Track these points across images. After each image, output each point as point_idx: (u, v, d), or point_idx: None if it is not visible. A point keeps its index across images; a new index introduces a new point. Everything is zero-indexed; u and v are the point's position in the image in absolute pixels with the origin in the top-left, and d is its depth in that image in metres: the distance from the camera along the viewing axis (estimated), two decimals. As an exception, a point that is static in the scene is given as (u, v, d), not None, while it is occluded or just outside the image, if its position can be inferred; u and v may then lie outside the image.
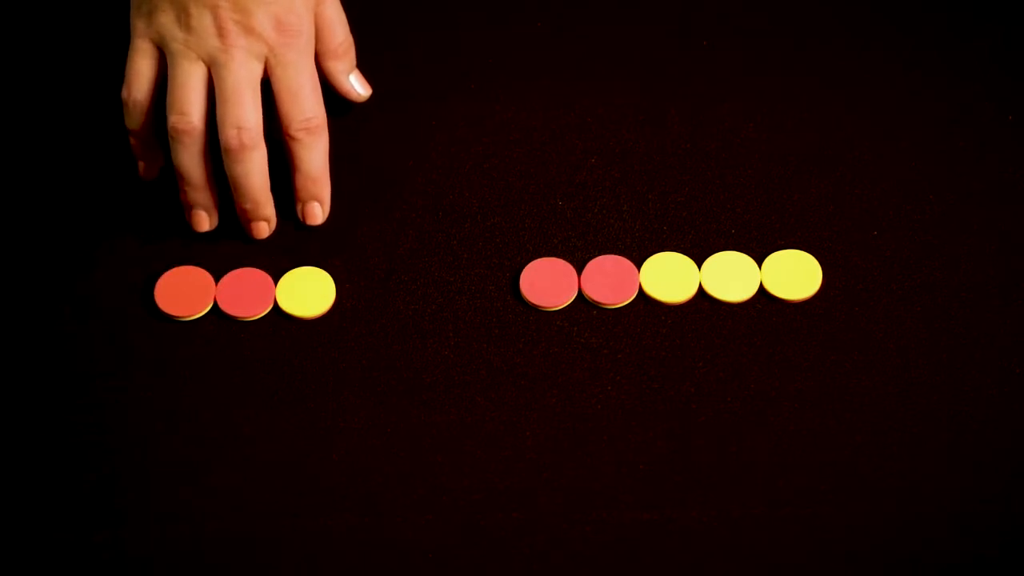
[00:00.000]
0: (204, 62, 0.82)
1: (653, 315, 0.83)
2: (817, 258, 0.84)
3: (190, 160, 0.83)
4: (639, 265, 0.84)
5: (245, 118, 0.82)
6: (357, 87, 0.89)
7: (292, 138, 0.84)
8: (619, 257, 0.85)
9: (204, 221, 0.85)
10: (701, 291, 0.84)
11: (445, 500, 0.78)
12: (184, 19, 0.82)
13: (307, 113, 0.83)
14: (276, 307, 0.84)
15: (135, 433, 0.80)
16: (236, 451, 0.79)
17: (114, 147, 0.89)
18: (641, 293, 0.84)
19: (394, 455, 0.79)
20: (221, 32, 0.81)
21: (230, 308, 0.83)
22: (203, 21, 0.82)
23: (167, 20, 0.82)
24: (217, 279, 0.84)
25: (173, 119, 0.82)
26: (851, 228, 0.86)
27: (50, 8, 0.95)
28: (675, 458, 0.79)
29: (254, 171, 0.83)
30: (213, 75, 0.82)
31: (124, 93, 0.84)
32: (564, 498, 0.78)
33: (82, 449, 0.79)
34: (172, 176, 0.88)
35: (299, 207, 0.86)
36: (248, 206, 0.84)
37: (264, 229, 0.85)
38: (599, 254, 0.85)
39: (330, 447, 0.79)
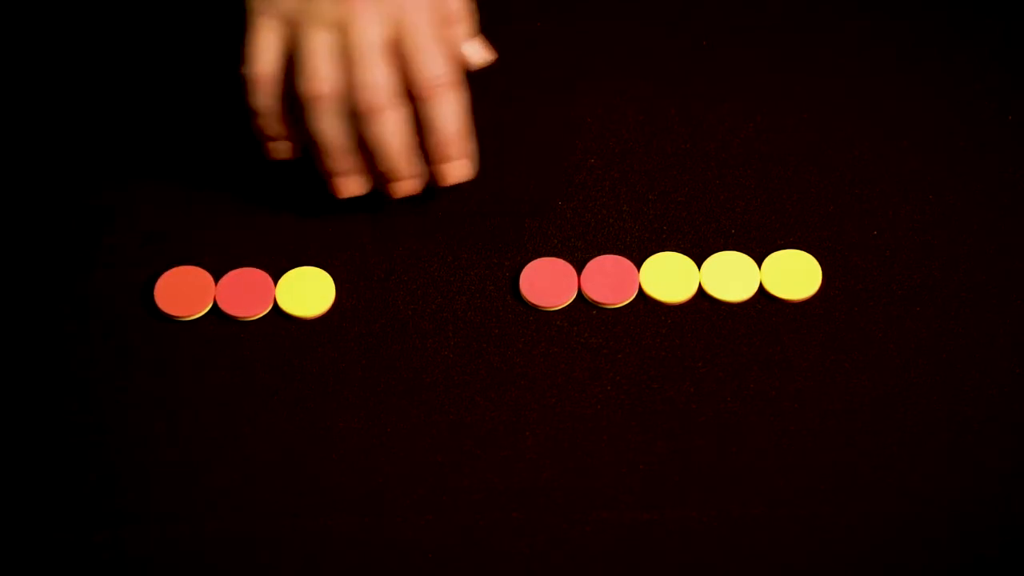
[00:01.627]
0: (331, 29, 0.81)
1: (653, 315, 0.83)
2: (817, 258, 0.84)
3: (327, 125, 0.81)
4: (639, 265, 0.84)
5: (376, 78, 0.80)
6: (474, 54, 0.85)
7: (422, 98, 0.81)
8: (619, 257, 0.85)
9: (349, 185, 0.83)
10: (701, 291, 0.84)
11: (445, 500, 0.78)
12: None
13: (436, 71, 0.81)
14: (276, 307, 0.84)
15: (135, 433, 0.80)
16: (236, 451, 0.79)
17: (114, 147, 0.89)
18: (641, 293, 0.84)
19: (394, 455, 0.79)
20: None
21: (230, 308, 0.83)
22: None
23: None
24: (217, 279, 0.84)
25: (303, 86, 0.81)
26: (851, 228, 0.86)
27: (49, 4, 0.95)
28: (675, 458, 0.79)
29: (389, 131, 0.81)
30: (341, 42, 0.81)
31: (246, 70, 0.82)
32: (564, 498, 0.78)
33: (82, 449, 0.79)
34: (172, 177, 0.88)
35: (432, 168, 0.83)
36: (384, 168, 0.82)
37: (405, 188, 0.83)
38: (599, 254, 0.85)
39: (330, 447, 0.79)
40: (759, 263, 0.84)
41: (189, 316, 0.83)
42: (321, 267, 0.85)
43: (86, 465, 0.79)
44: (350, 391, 0.81)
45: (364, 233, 0.86)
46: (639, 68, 0.92)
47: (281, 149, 0.85)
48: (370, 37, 0.80)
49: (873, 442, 0.79)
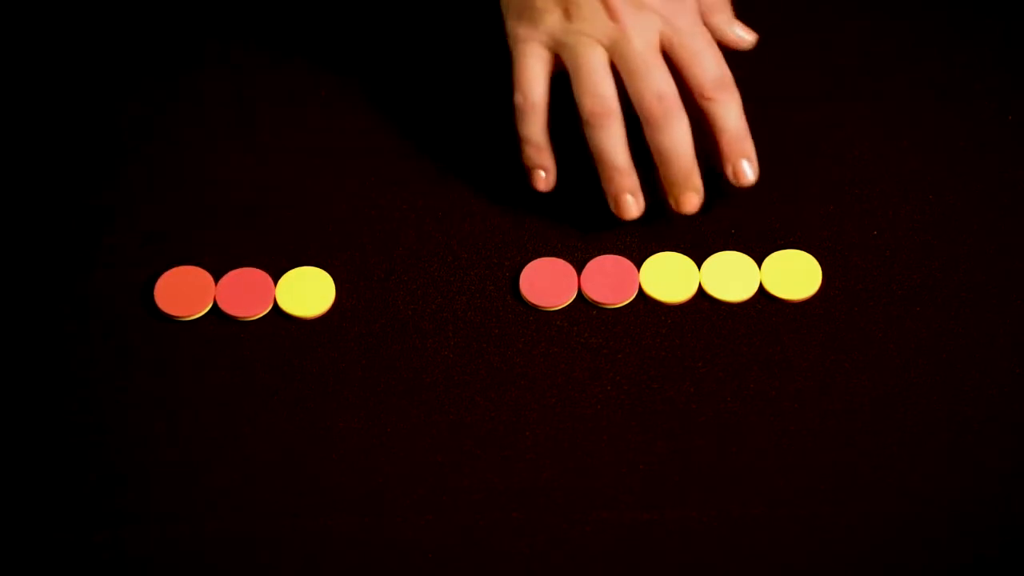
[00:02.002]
0: (603, 47, 0.82)
1: (653, 315, 0.83)
2: (817, 258, 0.84)
3: (614, 143, 0.82)
4: (639, 265, 0.84)
5: (661, 85, 0.81)
6: (742, 34, 0.86)
7: (709, 99, 0.82)
8: (619, 257, 0.85)
9: (633, 206, 0.84)
10: (701, 291, 0.84)
11: (445, 500, 0.78)
12: (573, 11, 0.82)
13: (716, 72, 0.82)
14: (276, 307, 0.84)
15: (135, 433, 0.80)
16: (236, 451, 0.79)
17: (114, 147, 0.89)
18: (641, 293, 0.84)
19: (394, 455, 0.79)
20: (612, 14, 0.81)
21: (230, 308, 0.83)
22: (593, 8, 0.81)
23: (554, 19, 0.82)
24: (217, 279, 0.84)
25: (589, 103, 0.82)
26: (851, 228, 0.86)
27: (48, 4, 0.95)
28: (675, 458, 0.79)
29: (681, 138, 0.81)
30: (614, 56, 0.82)
31: (518, 98, 0.83)
32: (564, 498, 0.78)
33: (82, 449, 0.79)
34: (172, 177, 0.88)
35: (728, 168, 0.83)
36: (680, 176, 0.82)
37: (695, 201, 0.83)
38: (599, 254, 0.85)
39: (330, 447, 0.79)
40: (759, 263, 0.84)
41: (189, 316, 0.83)
42: (321, 267, 0.85)
43: (86, 465, 0.79)
44: (350, 391, 0.81)
45: (364, 233, 0.86)
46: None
47: (549, 180, 0.85)
48: (646, 46, 0.81)
49: (873, 442, 0.79)
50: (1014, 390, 0.80)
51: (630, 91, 0.82)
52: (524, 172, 0.86)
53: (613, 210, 0.84)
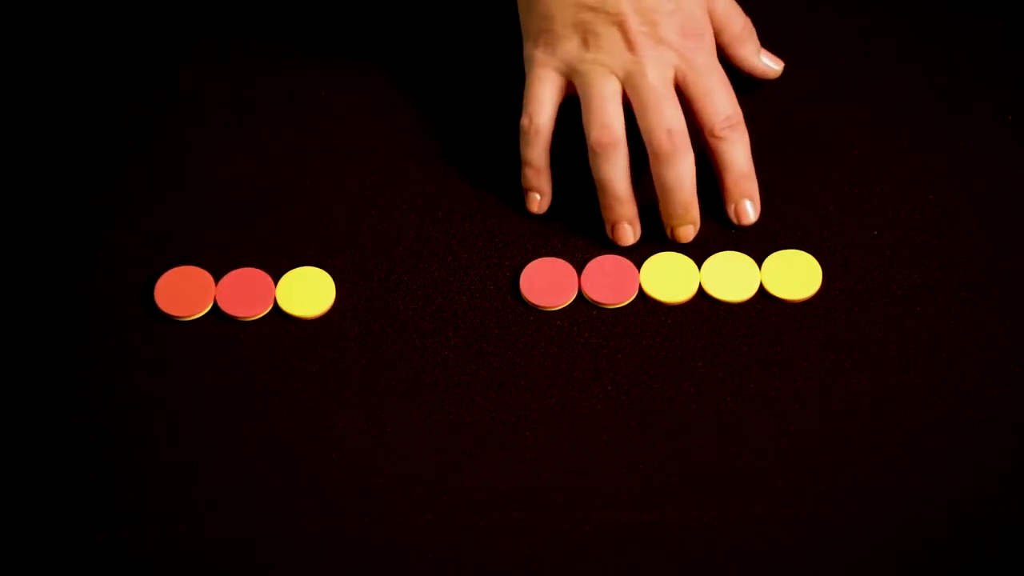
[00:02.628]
0: (617, 78, 0.83)
1: (653, 315, 0.83)
2: (817, 258, 0.84)
3: (616, 173, 0.83)
4: (639, 265, 0.84)
5: (672, 121, 0.82)
6: (770, 64, 0.89)
7: (718, 138, 0.84)
8: (619, 257, 0.85)
9: (630, 234, 0.85)
10: (701, 291, 0.84)
11: (445, 500, 0.78)
12: (592, 40, 0.83)
13: (727, 111, 0.83)
14: (276, 307, 0.84)
15: (135, 433, 0.80)
16: (236, 451, 0.79)
17: (114, 147, 0.89)
18: (641, 293, 0.84)
19: (394, 455, 0.79)
20: (631, 46, 0.82)
21: (230, 308, 0.83)
22: (611, 39, 0.83)
23: (572, 46, 0.83)
24: (217, 279, 0.84)
25: (596, 133, 0.83)
26: (851, 228, 0.86)
27: (48, 4, 0.95)
28: (675, 458, 0.79)
29: (686, 174, 0.83)
30: (628, 88, 0.83)
31: (525, 121, 0.85)
32: (564, 498, 0.78)
33: (82, 449, 0.79)
34: (172, 177, 0.88)
35: (730, 207, 0.85)
36: (680, 211, 0.84)
37: (691, 234, 0.85)
38: (599, 254, 0.85)
39: (330, 447, 0.79)
40: (759, 263, 0.84)
41: (189, 316, 0.83)
42: (321, 267, 0.85)
43: (86, 465, 0.79)
44: (350, 391, 0.81)
45: (364, 233, 0.86)
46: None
47: (543, 203, 0.86)
48: (660, 81, 0.82)
49: (873, 442, 0.79)
50: (1014, 390, 0.80)
51: (640, 123, 0.83)
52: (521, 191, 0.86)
53: (610, 236, 0.85)
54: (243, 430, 0.80)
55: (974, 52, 0.92)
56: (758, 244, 0.85)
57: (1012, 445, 0.79)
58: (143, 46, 0.93)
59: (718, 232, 0.86)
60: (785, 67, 0.91)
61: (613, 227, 0.85)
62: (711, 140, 0.84)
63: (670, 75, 0.83)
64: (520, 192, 0.87)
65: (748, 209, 0.85)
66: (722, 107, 0.84)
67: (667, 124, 0.82)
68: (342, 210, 0.87)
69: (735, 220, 0.85)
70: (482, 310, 0.84)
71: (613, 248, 0.85)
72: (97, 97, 0.91)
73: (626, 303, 0.84)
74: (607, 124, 0.83)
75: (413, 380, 0.81)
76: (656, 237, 0.86)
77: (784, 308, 0.83)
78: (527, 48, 0.86)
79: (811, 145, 0.89)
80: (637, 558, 0.76)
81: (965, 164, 0.88)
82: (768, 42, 0.92)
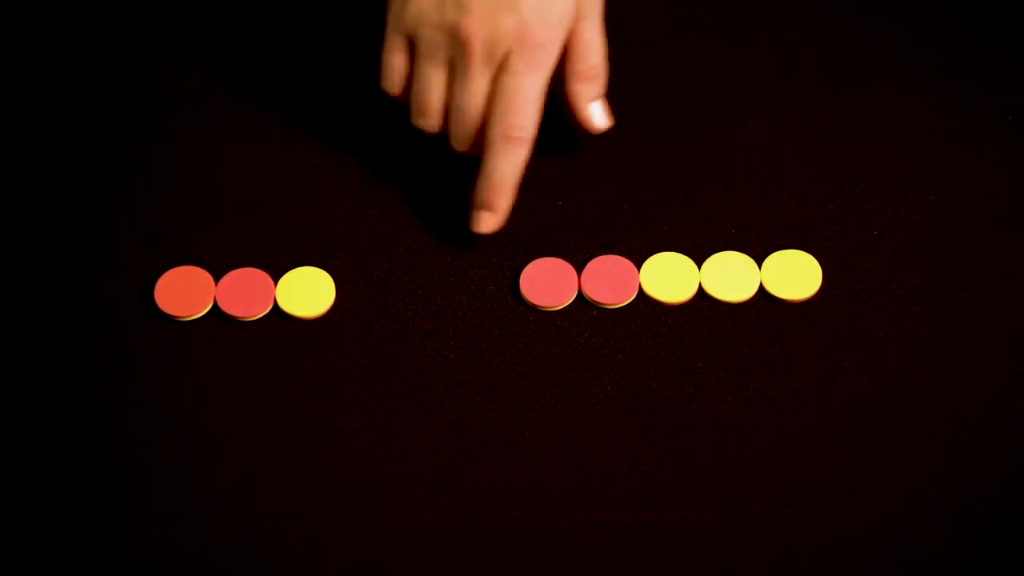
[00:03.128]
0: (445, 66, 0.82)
1: (653, 315, 0.83)
2: (817, 258, 0.84)
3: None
4: (639, 265, 0.84)
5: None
6: (596, 116, 0.85)
7: (489, 142, 0.82)
8: (619, 257, 0.85)
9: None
10: (701, 291, 0.84)
11: (445, 500, 0.78)
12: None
13: (512, 121, 0.81)
14: (276, 307, 0.84)
15: (135, 433, 0.80)
16: (236, 451, 0.79)
17: (114, 147, 0.89)
18: (641, 293, 0.84)
19: (394, 455, 0.79)
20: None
21: (230, 308, 0.83)
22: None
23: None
24: (217, 279, 0.84)
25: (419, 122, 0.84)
26: (851, 228, 0.86)
27: (48, 4, 0.95)
28: (675, 458, 0.79)
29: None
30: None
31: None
32: (564, 498, 0.78)
33: (82, 449, 0.79)
34: (172, 177, 0.88)
35: (471, 210, 0.84)
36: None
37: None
38: (599, 254, 0.85)
39: (330, 447, 0.79)
40: (759, 263, 0.84)
41: (189, 316, 0.83)
42: (321, 267, 0.85)
43: (86, 465, 0.79)
44: (350, 391, 0.81)
45: (364, 233, 0.86)
46: (638, 67, 0.92)
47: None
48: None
49: (873, 442, 0.79)
50: (1014, 390, 0.80)
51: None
52: (526, 175, 0.86)
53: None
54: (243, 430, 0.80)
55: (974, 52, 0.92)
56: (758, 244, 0.85)
57: (1012, 445, 0.79)
58: (143, 46, 0.93)
59: (718, 232, 0.86)
60: (785, 67, 0.91)
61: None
62: (484, 140, 0.82)
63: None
64: (521, 192, 0.87)
65: (482, 218, 0.84)
66: (510, 115, 0.80)
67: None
68: (342, 210, 0.87)
69: (469, 224, 0.84)
70: (482, 310, 0.84)
71: (613, 248, 0.85)
72: (97, 97, 0.91)
73: (626, 303, 0.84)
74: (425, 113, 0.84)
75: (413, 380, 0.81)
76: (656, 237, 0.86)
77: (784, 308, 0.83)
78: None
79: (811, 145, 0.89)
80: (637, 558, 0.76)
81: (965, 164, 0.88)
82: (768, 42, 0.92)
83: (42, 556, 0.76)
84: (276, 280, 0.84)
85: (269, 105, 0.91)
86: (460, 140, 0.83)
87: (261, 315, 0.83)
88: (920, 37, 0.93)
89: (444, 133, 0.84)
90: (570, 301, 0.84)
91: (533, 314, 0.84)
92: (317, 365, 0.82)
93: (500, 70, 0.80)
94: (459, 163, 0.88)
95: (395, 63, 0.84)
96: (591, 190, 0.87)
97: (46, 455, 0.79)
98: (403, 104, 0.84)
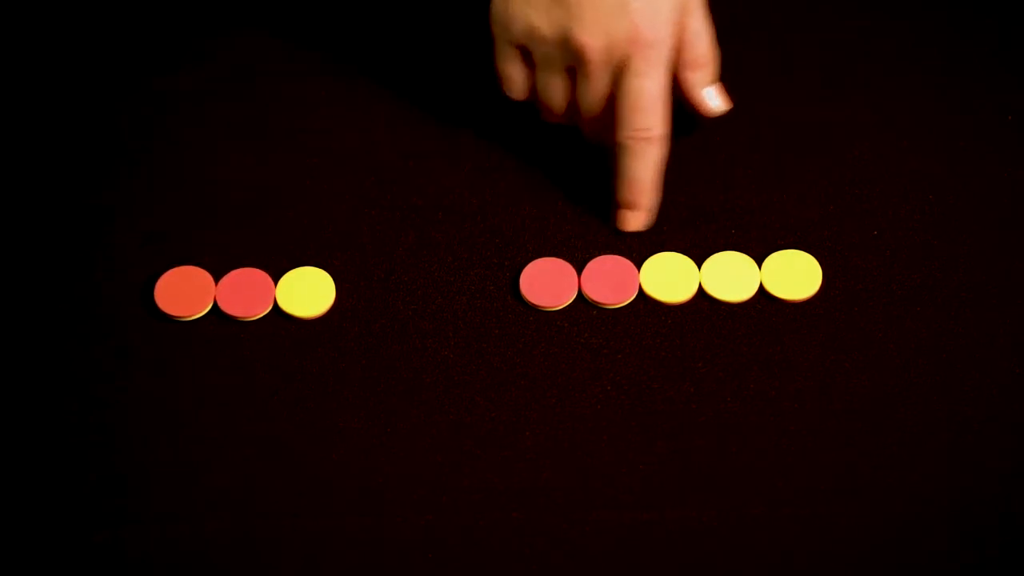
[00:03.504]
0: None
1: (653, 315, 0.83)
2: (817, 258, 0.84)
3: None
4: (639, 265, 0.84)
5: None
6: (711, 100, 0.86)
7: (620, 144, 0.83)
8: (619, 257, 0.85)
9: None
10: (701, 291, 0.84)
11: (445, 500, 0.78)
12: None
13: (639, 123, 0.82)
14: (276, 307, 0.84)
15: (135, 433, 0.80)
16: (236, 451, 0.79)
17: (114, 147, 0.89)
18: (641, 293, 0.84)
19: (394, 455, 0.79)
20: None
21: (230, 308, 0.83)
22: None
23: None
24: (217, 279, 0.84)
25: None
26: (851, 228, 0.86)
27: (48, 4, 0.95)
28: (675, 458, 0.79)
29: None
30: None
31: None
32: (564, 498, 0.78)
33: (82, 449, 0.79)
34: (172, 177, 0.88)
35: (614, 211, 0.85)
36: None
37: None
38: (599, 254, 0.85)
39: (330, 447, 0.79)
40: (759, 263, 0.84)
41: (189, 316, 0.83)
42: (321, 267, 0.85)
43: (86, 465, 0.79)
44: (350, 391, 0.81)
45: (364, 233, 0.86)
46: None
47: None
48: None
49: (873, 442, 0.79)
50: (1014, 390, 0.80)
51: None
52: (524, 172, 0.86)
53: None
54: (243, 430, 0.80)
55: (974, 52, 0.92)
56: (758, 244, 0.85)
57: (1012, 445, 0.79)
58: (143, 46, 0.93)
59: (718, 232, 0.86)
60: (785, 67, 0.91)
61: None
62: (616, 142, 0.83)
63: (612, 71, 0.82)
64: (521, 192, 0.87)
65: (627, 218, 0.85)
66: (640, 117, 0.82)
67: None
68: (342, 210, 0.87)
69: (616, 223, 0.85)
70: (482, 310, 0.84)
71: (613, 248, 0.85)
72: (97, 97, 0.91)
73: (626, 303, 0.84)
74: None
75: (413, 380, 0.81)
76: (656, 237, 0.86)
77: (784, 308, 0.83)
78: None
79: (811, 145, 0.89)
80: (637, 558, 0.76)
81: (965, 164, 0.88)
82: (768, 42, 0.92)
83: (42, 556, 0.76)
84: (276, 280, 0.84)
85: (269, 105, 0.91)
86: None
87: (261, 315, 0.83)
88: (920, 37, 0.93)
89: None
90: (570, 301, 0.84)
91: (533, 314, 0.84)
92: (317, 365, 0.82)
93: (620, 70, 0.81)
94: (460, 163, 0.88)
95: (514, 73, 0.85)
96: (591, 190, 0.87)
97: (46, 455, 0.79)
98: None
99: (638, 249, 0.85)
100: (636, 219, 0.85)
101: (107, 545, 0.76)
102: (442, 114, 0.91)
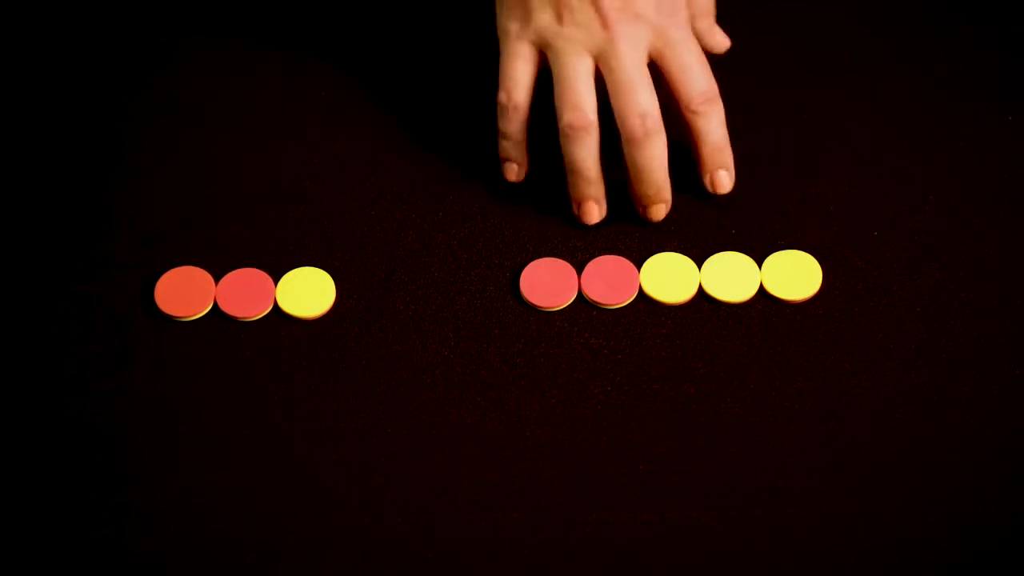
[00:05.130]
0: (590, 55, 0.82)
1: (653, 315, 0.83)
2: (817, 258, 0.84)
3: (586, 154, 0.83)
4: (639, 265, 0.84)
5: (645, 105, 0.82)
6: (720, 39, 0.88)
7: (695, 112, 0.83)
8: (619, 257, 0.85)
9: (596, 213, 0.85)
10: (701, 291, 0.84)
11: (445, 500, 0.78)
12: (566, 15, 0.82)
13: (703, 86, 0.83)
14: (276, 307, 0.84)
15: (135, 433, 0.80)
16: (236, 451, 0.79)
17: (114, 147, 0.89)
18: (641, 293, 0.84)
19: (394, 455, 0.79)
20: (605, 23, 0.82)
21: (230, 308, 0.83)
22: (586, 14, 0.82)
23: (546, 19, 0.83)
24: (217, 279, 0.84)
25: (568, 116, 0.83)
26: (851, 228, 0.86)
27: (48, 4, 0.95)
28: (675, 458, 0.79)
29: (657, 156, 0.83)
30: (602, 67, 0.82)
31: (502, 97, 0.85)
32: (564, 498, 0.78)
33: (83, 449, 0.79)
34: (172, 177, 0.88)
35: (706, 178, 0.85)
36: (652, 191, 0.84)
37: (663, 212, 0.85)
38: (599, 254, 0.85)
39: (330, 447, 0.79)
40: (759, 263, 0.84)
41: (189, 316, 0.83)
42: (321, 267, 0.85)
43: (86, 465, 0.79)
44: (350, 391, 0.81)
45: (364, 233, 0.86)
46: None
47: (520, 172, 0.87)
48: (634, 62, 0.82)
49: (873, 442, 0.79)
50: (1014, 390, 0.80)
51: (614, 105, 0.83)
52: (525, 176, 0.86)
53: (575, 213, 0.86)
54: (243, 430, 0.80)
55: (974, 52, 0.92)
56: (758, 244, 0.85)
57: (1012, 445, 0.79)
58: (143, 46, 0.93)
59: (718, 232, 0.86)
60: (785, 67, 0.91)
61: (580, 205, 0.85)
62: (688, 115, 0.84)
63: (643, 54, 0.83)
64: (521, 192, 0.87)
65: (723, 178, 0.85)
66: (698, 82, 0.83)
67: (640, 109, 0.82)
68: (342, 210, 0.87)
69: (711, 189, 0.85)
70: (482, 310, 0.84)
71: (613, 248, 0.85)
72: (97, 97, 0.91)
73: (626, 303, 0.84)
74: (579, 107, 0.82)
75: (413, 380, 0.81)
76: (656, 237, 0.86)
77: (784, 308, 0.83)
78: (501, 19, 0.85)
79: (811, 145, 0.89)
80: (637, 558, 0.76)
81: (965, 164, 0.88)
82: (768, 42, 0.92)
83: (42, 555, 0.76)
84: (276, 280, 0.84)
85: (269, 105, 0.91)
86: (639, 139, 0.83)
87: (261, 315, 0.83)
88: (920, 37, 0.93)
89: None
90: (570, 301, 0.84)
91: (533, 314, 0.84)
92: (317, 365, 0.82)
93: (657, 54, 0.82)
94: (460, 163, 0.89)
95: (520, 70, 0.84)
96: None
97: (46, 454, 0.79)
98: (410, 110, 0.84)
99: (638, 249, 0.85)
100: (726, 179, 0.85)
101: (107, 545, 0.76)
102: (442, 114, 0.91)
